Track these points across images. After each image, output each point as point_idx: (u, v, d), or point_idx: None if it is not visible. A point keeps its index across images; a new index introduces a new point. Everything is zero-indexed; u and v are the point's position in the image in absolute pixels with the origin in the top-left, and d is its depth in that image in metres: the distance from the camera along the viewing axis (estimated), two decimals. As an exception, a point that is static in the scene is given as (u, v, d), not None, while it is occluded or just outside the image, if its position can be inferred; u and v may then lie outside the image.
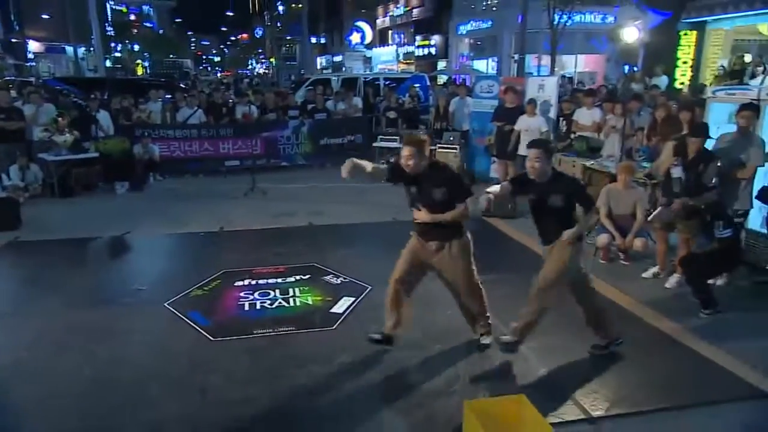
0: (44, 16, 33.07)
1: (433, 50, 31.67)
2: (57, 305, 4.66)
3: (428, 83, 15.74)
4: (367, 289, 4.98)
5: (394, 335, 3.86)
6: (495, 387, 3.53)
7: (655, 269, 5.33)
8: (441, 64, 29.72)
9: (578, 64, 23.73)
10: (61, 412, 3.25)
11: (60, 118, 8.70)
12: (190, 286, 5.05)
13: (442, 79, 20.50)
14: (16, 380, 3.60)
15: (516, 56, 19.52)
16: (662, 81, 12.57)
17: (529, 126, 8.24)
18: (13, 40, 30.05)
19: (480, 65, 26.40)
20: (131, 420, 3.17)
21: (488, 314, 4.02)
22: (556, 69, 18.47)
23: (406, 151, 3.58)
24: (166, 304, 4.66)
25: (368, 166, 3.65)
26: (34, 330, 4.23)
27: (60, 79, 17.80)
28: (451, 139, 9.59)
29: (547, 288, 3.72)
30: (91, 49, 29.83)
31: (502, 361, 3.81)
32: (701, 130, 4.96)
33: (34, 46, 33.01)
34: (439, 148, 9.48)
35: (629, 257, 5.73)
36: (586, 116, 8.36)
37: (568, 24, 18.13)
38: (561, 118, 8.85)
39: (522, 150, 8.41)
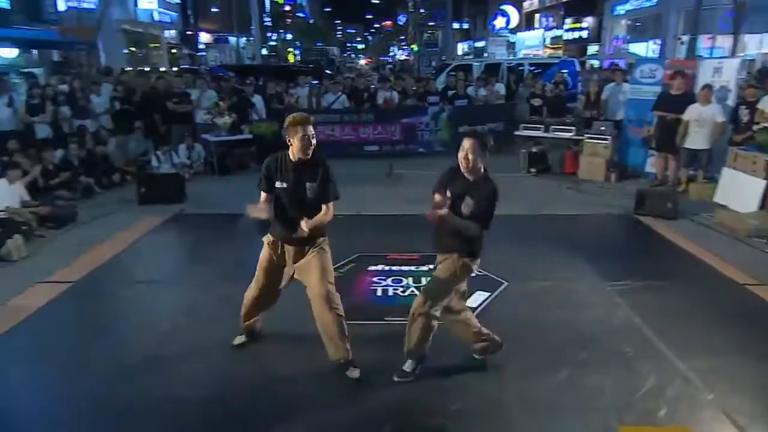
0: (213, 10, 36.76)
1: (584, 33, 29.59)
2: (212, 276, 5.06)
3: (578, 68, 14.69)
4: (503, 285, 4.75)
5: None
6: (648, 410, 3.13)
7: None
8: (592, 48, 27.69)
9: (763, 44, 20.54)
10: (205, 382, 3.47)
11: (221, 102, 9.49)
12: (327, 266, 5.18)
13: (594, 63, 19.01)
14: (171, 345, 3.90)
15: (683, 37, 17.47)
16: None
17: (701, 115, 7.26)
18: (188, 33, 33.71)
19: (637, 48, 24.10)
20: (266, 397, 3.30)
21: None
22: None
23: (301, 131, 3.44)
24: (304, 283, 4.83)
25: (263, 210, 3.54)
26: (192, 299, 4.62)
27: (224, 66, 19.59)
28: (602, 129, 8.79)
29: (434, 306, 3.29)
30: (251, 38, 32.45)
31: (657, 380, 3.37)
32: None
33: (204, 37, 36.79)
34: (587, 138, 8.79)
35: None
36: (775, 104, 7.15)
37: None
38: (742, 107, 7.66)
39: (689, 142, 7.47)
